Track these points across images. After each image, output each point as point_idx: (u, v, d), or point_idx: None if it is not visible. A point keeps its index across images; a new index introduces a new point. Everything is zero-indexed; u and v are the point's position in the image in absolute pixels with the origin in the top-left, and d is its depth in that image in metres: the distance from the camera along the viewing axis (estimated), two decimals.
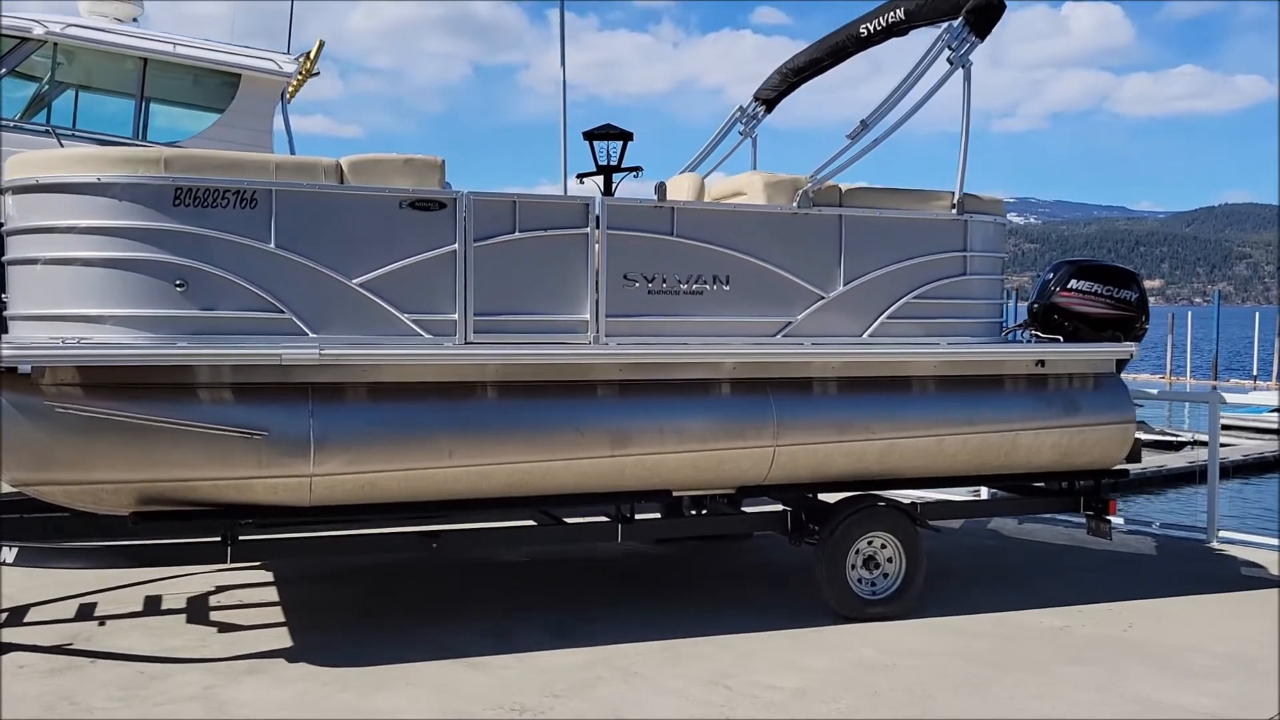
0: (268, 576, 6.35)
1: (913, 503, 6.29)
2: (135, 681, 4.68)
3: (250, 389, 4.82)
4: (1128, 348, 6.37)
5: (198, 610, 5.73)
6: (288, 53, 9.62)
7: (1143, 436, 6.56)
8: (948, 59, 5.85)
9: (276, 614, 5.68)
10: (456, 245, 5.05)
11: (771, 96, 7.46)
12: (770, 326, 5.62)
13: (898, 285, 5.83)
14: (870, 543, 5.81)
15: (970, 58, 5.87)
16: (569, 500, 5.47)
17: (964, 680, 4.91)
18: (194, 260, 4.68)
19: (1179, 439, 24.06)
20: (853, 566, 5.77)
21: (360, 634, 5.33)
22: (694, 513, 6.56)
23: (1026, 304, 6.73)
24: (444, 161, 5.12)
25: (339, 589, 6.20)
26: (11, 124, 8.36)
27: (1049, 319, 6.45)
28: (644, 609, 5.87)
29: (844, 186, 5.83)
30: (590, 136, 11.99)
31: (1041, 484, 6.64)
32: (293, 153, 9.15)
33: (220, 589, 6.09)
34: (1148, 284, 6.77)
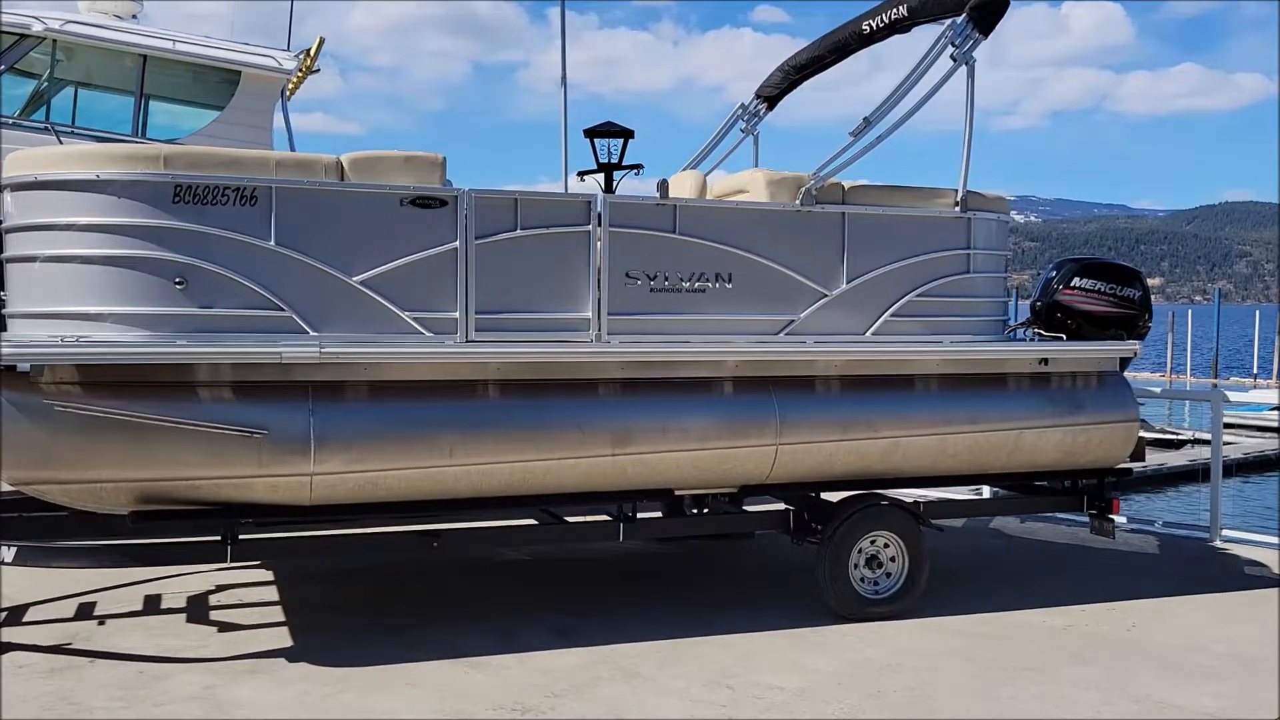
0: (268, 576, 6.33)
1: (916, 502, 6.27)
2: (135, 681, 4.66)
3: (250, 387, 4.80)
4: (1131, 346, 6.35)
5: (197, 610, 5.71)
6: (288, 50, 9.59)
7: (1143, 435, 6.54)
8: (951, 56, 5.82)
9: (277, 614, 5.66)
10: (458, 243, 5.02)
11: (773, 94, 7.43)
12: (773, 324, 5.59)
13: (901, 283, 5.81)
14: (873, 542, 5.79)
15: (974, 54, 5.84)
16: (570, 499, 5.44)
17: (967, 680, 4.89)
18: (194, 258, 4.66)
19: (1179, 437, 24.06)
20: (855, 566, 5.75)
21: (361, 634, 5.31)
22: (695, 512, 6.54)
23: (1029, 302, 6.71)
24: (445, 159, 5.10)
25: (339, 589, 6.18)
26: (11, 121, 8.33)
27: (1052, 317, 6.42)
28: (645, 608, 5.86)
29: (847, 184, 5.80)
30: (591, 134, 11.96)
31: (1044, 483, 6.62)
32: (293, 150, 9.12)
33: (220, 588, 6.07)
34: (1148, 282, 6.74)
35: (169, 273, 4.64)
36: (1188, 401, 29.09)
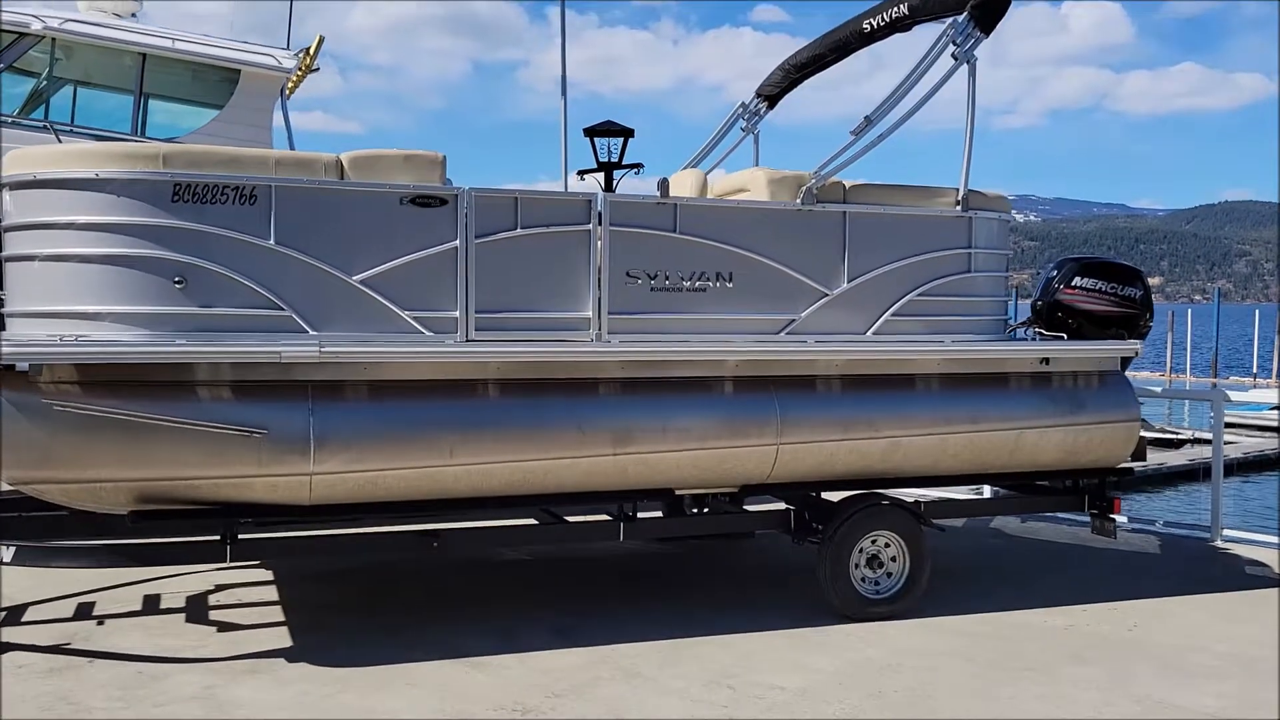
0: (267, 576, 6.32)
1: (917, 501, 6.26)
2: (134, 681, 4.65)
3: (250, 387, 4.79)
4: (1132, 345, 6.34)
5: (197, 610, 5.69)
6: (287, 49, 9.57)
7: (1143, 435, 6.53)
8: (952, 54, 5.80)
9: (276, 614, 5.64)
10: (458, 242, 5.01)
11: (774, 92, 7.42)
12: (773, 324, 5.58)
13: (902, 282, 5.80)
14: (874, 541, 5.77)
15: (975, 53, 5.83)
16: (570, 499, 5.43)
17: (968, 680, 4.88)
18: (193, 257, 4.65)
19: (1179, 436, 24.06)
20: (856, 566, 5.74)
21: (360, 634, 5.30)
22: (695, 512, 6.53)
23: (1029, 301, 6.70)
24: (445, 157, 5.08)
25: (339, 589, 6.17)
26: (10, 120, 8.31)
27: (1053, 316, 6.41)
28: (645, 608, 5.84)
29: (848, 183, 5.79)
30: (591, 133, 11.95)
31: (1045, 482, 6.61)
32: (292, 149, 9.10)
33: (219, 588, 6.06)
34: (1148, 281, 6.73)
35: (168, 272, 4.63)
36: (1187, 401, 29.09)
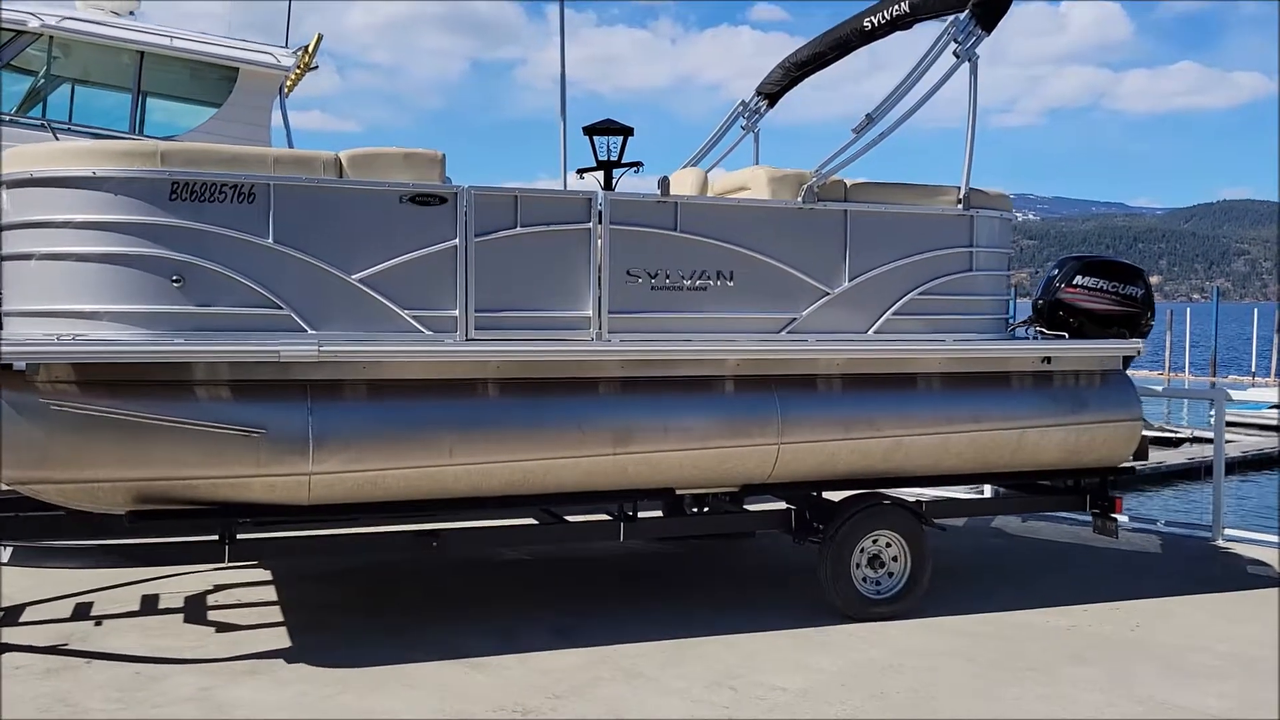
0: (266, 576, 6.29)
1: (918, 501, 6.24)
2: (132, 683, 4.62)
3: (248, 386, 4.77)
4: (1134, 344, 6.32)
5: (195, 610, 5.67)
6: (286, 47, 9.54)
7: (1144, 434, 6.51)
8: (954, 52, 5.79)
9: (275, 614, 5.62)
10: (457, 240, 4.99)
11: (774, 91, 7.40)
12: (774, 323, 5.56)
13: (903, 281, 5.78)
14: (875, 541, 5.75)
15: (977, 51, 5.81)
16: (571, 499, 5.41)
17: (970, 681, 4.86)
18: (191, 255, 4.63)
19: (1178, 435, 24.07)
20: (857, 565, 5.72)
21: (360, 634, 5.27)
22: (696, 511, 6.51)
23: (1030, 300, 6.68)
24: (444, 155, 5.06)
25: (338, 589, 6.15)
26: (7, 118, 8.28)
27: (1054, 315, 6.40)
28: (646, 608, 5.82)
29: (849, 181, 5.77)
30: (591, 131, 11.93)
31: (1047, 482, 6.59)
32: (291, 147, 9.07)
33: (218, 588, 6.04)
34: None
35: (166, 270, 4.60)
36: (1186, 400, 29.10)
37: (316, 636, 5.24)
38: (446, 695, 4.55)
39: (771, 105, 7.47)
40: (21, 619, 5.44)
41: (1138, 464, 6.69)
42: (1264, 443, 23.56)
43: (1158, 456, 21.20)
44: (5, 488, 4.84)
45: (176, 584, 6.08)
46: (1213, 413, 8.53)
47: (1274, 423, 24.46)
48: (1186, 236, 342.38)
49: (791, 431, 5.54)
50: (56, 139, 8.07)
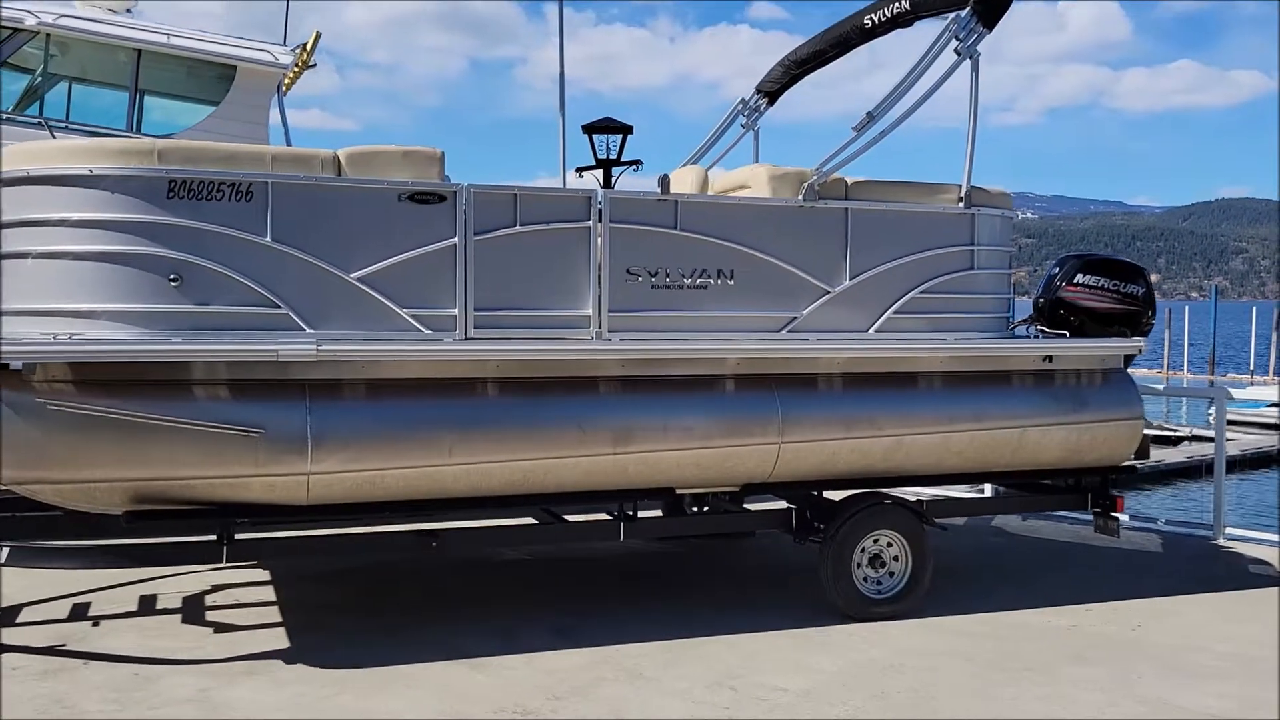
0: (264, 576, 6.27)
1: (919, 500, 6.22)
2: (129, 683, 4.60)
3: (246, 385, 4.74)
4: (1135, 343, 6.31)
5: (193, 611, 5.65)
6: (284, 45, 9.51)
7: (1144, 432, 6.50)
8: (955, 50, 5.77)
9: (273, 614, 5.60)
10: (456, 239, 4.97)
11: (774, 89, 7.38)
12: (775, 321, 5.54)
13: (904, 279, 5.76)
14: (876, 541, 5.73)
15: (978, 48, 5.79)
16: (571, 498, 5.39)
17: (970, 681, 4.84)
18: (188, 254, 4.60)
19: (1177, 434, 24.08)
20: (858, 565, 5.70)
21: (359, 635, 5.25)
22: (696, 511, 6.48)
23: (1031, 299, 6.67)
24: (443, 153, 5.03)
25: (337, 589, 6.13)
26: (4, 116, 8.25)
27: (1055, 314, 6.38)
28: (646, 608, 5.80)
29: (850, 179, 5.75)
30: (590, 130, 11.89)
31: (1048, 481, 6.57)
32: (289, 145, 9.05)
33: (216, 589, 6.02)
34: None
35: (164, 269, 4.58)
36: (1185, 398, 29.10)
37: (315, 637, 5.22)
38: (446, 695, 4.53)
39: (771, 103, 7.45)
40: (18, 620, 5.41)
41: (1139, 463, 6.67)
42: (1263, 441, 23.59)
43: (1157, 455, 21.22)
44: (2, 488, 4.82)
45: (174, 584, 6.06)
46: (1212, 411, 8.51)
47: (1273, 421, 24.46)
48: (1185, 235, 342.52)
49: (792, 431, 5.52)
50: (54, 137, 8.04)
